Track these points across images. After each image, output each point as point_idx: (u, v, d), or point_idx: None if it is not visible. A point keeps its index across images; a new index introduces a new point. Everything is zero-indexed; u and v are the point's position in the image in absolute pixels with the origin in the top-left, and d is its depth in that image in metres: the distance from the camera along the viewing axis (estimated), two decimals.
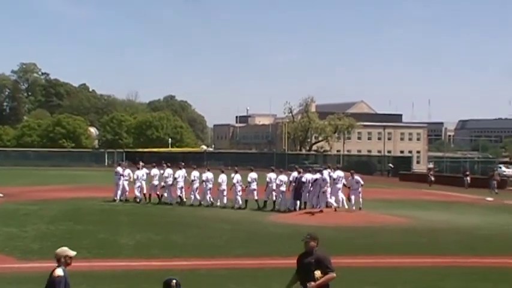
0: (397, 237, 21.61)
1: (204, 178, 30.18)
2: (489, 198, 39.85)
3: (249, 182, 29.57)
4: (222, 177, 29.86)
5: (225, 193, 29.77)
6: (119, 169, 32.21)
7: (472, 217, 28.69)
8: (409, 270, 15.69)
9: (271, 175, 29.17)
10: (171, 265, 15.22)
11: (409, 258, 17.40)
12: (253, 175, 29.81)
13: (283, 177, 29.08)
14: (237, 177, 29.78)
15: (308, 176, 27.98)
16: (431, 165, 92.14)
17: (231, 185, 29.62)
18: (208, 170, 31.04)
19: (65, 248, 8.45)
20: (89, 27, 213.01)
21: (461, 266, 16.45)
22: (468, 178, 51.47)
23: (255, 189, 29.49)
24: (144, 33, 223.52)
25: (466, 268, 16.23)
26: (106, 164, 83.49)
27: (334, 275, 8.82)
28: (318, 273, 8.72)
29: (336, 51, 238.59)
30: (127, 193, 31.68)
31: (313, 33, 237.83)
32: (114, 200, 31.21)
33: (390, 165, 75.06)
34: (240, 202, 29.32)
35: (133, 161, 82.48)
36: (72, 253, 8.38)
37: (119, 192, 31.51)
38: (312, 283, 8.69)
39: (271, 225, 23.83)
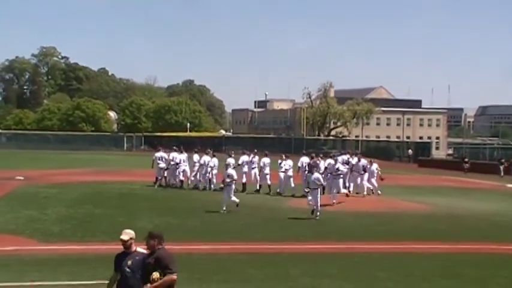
0: (415, 223, 21.55)
1: (202, 162, 30.38)
2: (509, 185, 39.55)
3: (239, 165, 29.87)
4: (214, 161, 30.16)
5: (215, 177, 30.20)
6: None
7: (491, 204, 28.52)
8: (426, 257, 15.65)
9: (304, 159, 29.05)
10: (189, 249, 15.30)
11: (427, 244, 17.34)
12: (267, 160, 30.17)
13: (291, 163, 29.30)
14: (229, 161, 29.96)
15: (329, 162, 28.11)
16: (450, 151, 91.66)
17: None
18: (207, 154, 30.91)
19: (125, 231, 8.47)
20: (108, 11, 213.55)
21: (479, 253, 16.38)
22: (502, 166, 49.18)
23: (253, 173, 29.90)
24: (163, 18, 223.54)
25: (484, 255, 16.17)
26: (125, 148, 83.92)
27: (175, 276, 7.94)
28: (155, 274, 7.90)
29: (355, 37, 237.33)
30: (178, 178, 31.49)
31: (333, 19, 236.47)
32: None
33: (410, 151, 74.37)
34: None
35: (152, 145, 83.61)
36: (122, 236, 8.40)
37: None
38: (149, 285, 7.90)
39: (289, 210, 23.83)
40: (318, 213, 21.34)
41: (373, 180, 29.38)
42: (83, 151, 73.22)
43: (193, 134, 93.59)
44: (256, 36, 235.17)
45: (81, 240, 16.53)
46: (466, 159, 54.64)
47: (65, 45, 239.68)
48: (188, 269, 13.46)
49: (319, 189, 21.99)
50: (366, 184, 28.79)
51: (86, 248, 15.56)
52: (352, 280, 12.93)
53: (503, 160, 51.21)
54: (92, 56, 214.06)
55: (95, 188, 29.94)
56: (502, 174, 48.00)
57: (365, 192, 28.50)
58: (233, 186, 23.37)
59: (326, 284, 12.55)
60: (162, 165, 31.22)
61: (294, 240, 17.51)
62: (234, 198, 23.12)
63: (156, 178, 31.31)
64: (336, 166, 26.74)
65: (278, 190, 28.97)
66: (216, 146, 60.18)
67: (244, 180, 29.85)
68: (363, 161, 29.38)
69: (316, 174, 22.67)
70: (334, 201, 25.07)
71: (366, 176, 28.95)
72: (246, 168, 30.15)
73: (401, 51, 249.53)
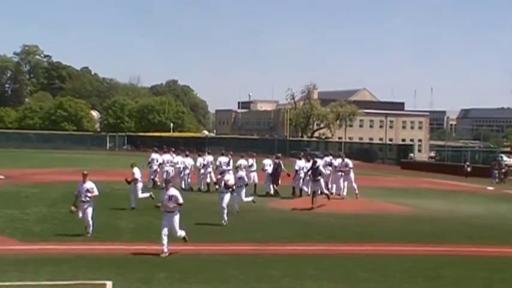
0: (397, 225, 21.66)
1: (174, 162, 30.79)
2: (490, 188, 39.89)
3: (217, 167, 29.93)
4: (186, 161, 30.50)
5: (189, 176, 30.57)
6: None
7: (472, 206, 28.74)
8: (408, 258, 15.74)
9: (300, 163, 29.00)
10: (171, 249, 15.27)
11: (408, 246, 17.45)
12: (223, 159, 30.34)
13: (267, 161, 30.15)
14: (199, 161, 30.31)
15: (301, 164, 28.11)
16: (432, 154, 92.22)
17: (197, 169, 30.47)
18: (178, 154, 31.46)
19: None
20: (92, 10, 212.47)
21: (460, 255, 16.50)
22: (496, 171, 45.85)
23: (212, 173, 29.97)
24: (146, 17, 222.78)
25: (464, 257, 16.29)
26: (107, 147, 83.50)
27: None
28: None
29: (339, 39, 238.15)
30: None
31: (317, 19, 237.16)
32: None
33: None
34: (202, 186, 30.05)
35: (135, 145, 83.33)
36: None
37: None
38: None
39: (271, 211, 23.87)
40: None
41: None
42: (65, 150, 72.76)
43: (176, 134, 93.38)
44: (240, 37, 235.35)
45: (62, 240, 16.43)
46: (468, 163, 51.71)
47: (48, 44, 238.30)
48: (169, 269, 13.46)
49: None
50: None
51: (67, 248, 15.48)
52: (333, 281, 12.98)
53: (494, 163, 47.81)
54: (75, 54, 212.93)
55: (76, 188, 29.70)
56: (497, 179, 45.10)
57: (344, 193, 28.31)
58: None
59: (307, 285, 12.59)
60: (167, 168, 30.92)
61: (276, 241, 17.54)
62: (247, 198, 23.10)
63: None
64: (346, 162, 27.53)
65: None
66: (199, 146, 60.17)
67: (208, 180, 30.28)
68: (340, 161, 29.16)
69: (347, 160, 27.29)
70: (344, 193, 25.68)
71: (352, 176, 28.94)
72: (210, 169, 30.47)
73: (384, 53, 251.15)
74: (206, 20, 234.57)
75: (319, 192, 24.68)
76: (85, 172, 17.91)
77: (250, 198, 23.41)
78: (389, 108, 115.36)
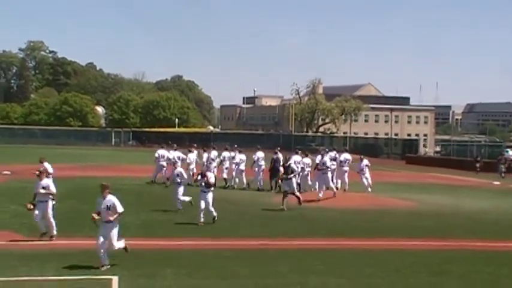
0: (402, 220, 21.67)
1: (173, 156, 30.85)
2: (496, 182, 39.76)
3: (221, 161, 30.53)
4: (191, 157, 30.63)
5: (193, 172, 30.16)
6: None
7: (478, 201, 28.68)
8: (413, 254, 15.74)
9: (296, 158, 28.98)
10: (176, 244, 15.31)
11: (414, 241, 17.44)
12: (220, 153, 30.75)
13: (243, 156, 30.13)
14: (205, 156, 30.57)
15: (296, 158, 27.99)
16: (438, 149, 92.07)
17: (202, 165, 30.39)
18: (175, 150, 31.62)
19: None
20: (97, 6, 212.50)
21: (465, 250, 16.49)
22: (502, 166, 45.36)
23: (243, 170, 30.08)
24: (151, 14, 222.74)
25: (470, 252, 16.28)
26: (113, 143, 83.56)
27: None
28: None
29: (344, 34, 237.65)
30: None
31: (322, 15, 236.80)
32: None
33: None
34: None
35: (140, 140, 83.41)
36: None
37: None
38: None
39: (276, 206, 23.85)
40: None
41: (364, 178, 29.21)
42: (70, 146, 72.84)
43: (182, 129, 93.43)
44: (245, 32, 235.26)
45: (68, 235, 16.47)
46: (478, 158, 50.64)
47: (53, 40, 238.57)
48: (175, 264, 13.50)
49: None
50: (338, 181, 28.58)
51: (73, 243, 15.54)
52: (339, 276, 13.01)
53: (500, 158, 47.03)
54: (79, 50, 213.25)
55: (81, 183, 29.82)
56: (503, 175, 44.57)
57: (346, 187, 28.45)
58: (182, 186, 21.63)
59: (313, 280, 12.61)
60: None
61: (280, 236, 17.56)
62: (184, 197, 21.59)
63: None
64: (323, 160, 26.54)
65: (233, 183, 29.94)
66: (204, 142, 60.15)
67: (225, 175, 30.37)
68: (346, 156, 29.07)
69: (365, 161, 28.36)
70: (320, 195, 25.28)
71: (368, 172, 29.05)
72: (227, 164, 30.57)
73: (389, 48, 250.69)
74: (210, 18, 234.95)
75: (290, 191, 23.29)
76: (40, 169, 16.55)
77: (187, 198, 21.66)
78: (395, 103, 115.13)
